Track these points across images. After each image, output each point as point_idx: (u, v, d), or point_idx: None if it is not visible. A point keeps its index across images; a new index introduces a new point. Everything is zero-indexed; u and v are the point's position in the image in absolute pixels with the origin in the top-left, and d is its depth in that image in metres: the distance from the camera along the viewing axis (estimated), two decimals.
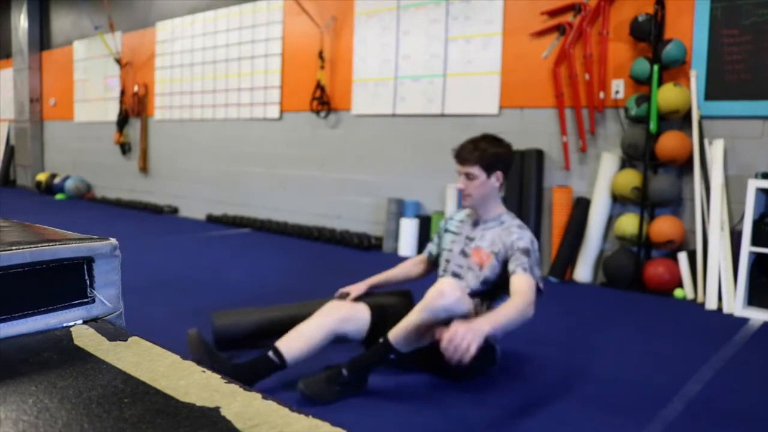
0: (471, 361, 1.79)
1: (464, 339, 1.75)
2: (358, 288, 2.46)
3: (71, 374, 0.51)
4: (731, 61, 3.62)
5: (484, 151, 2.24)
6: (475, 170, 2.24)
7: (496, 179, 2.26)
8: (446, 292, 2.01)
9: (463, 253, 2.33)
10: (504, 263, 2.22)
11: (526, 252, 2.16)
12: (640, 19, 3.83)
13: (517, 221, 2.30)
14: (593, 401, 2.12)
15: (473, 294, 2.25)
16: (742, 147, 3.64)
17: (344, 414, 1.95)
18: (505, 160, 2.29)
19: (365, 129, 5.46)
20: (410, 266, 2.58)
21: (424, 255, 2.57)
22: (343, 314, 2.17)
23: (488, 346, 2.16)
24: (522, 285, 2.06)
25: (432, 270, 2.56)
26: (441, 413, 1.98)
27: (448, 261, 2.38)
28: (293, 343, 2.08)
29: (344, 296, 2.43)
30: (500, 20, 4.60)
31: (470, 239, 2.33)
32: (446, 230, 2.47)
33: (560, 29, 4.24)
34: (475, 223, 2.36)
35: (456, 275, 2.31)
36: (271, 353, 2.06)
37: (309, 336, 2.09)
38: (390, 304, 2.35)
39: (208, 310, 3.12)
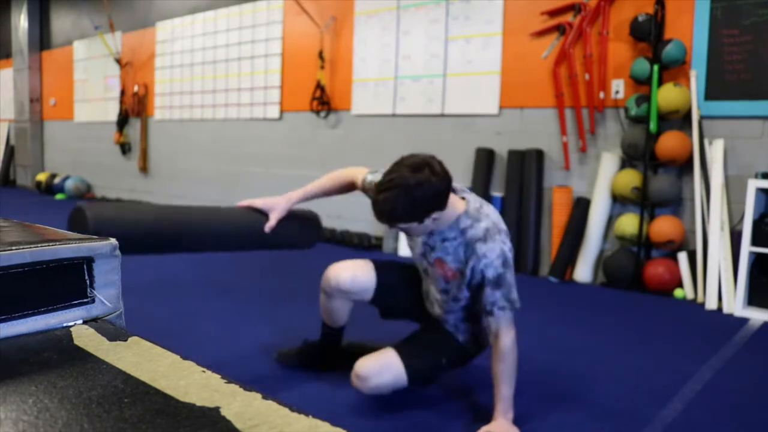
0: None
1: None
2: (277, 206, 2.15)
3: (71, 374, 0.51)
4: (731, 61, 3.62)
5: (403, 210, 1.76)
6: (405, 227, 1.84)
7: (431, 220, 1.81)
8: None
9: (425, 257, 2.00)
10: (474, 288, 1.90)
11: (498, 283, 1.82)
12: (640, 19, 3.83)
13: (481, 227, 1.85)
14: (593, 401, 2.12)
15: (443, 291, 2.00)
16: (742, 147, 3.64)
17: (345, 413, 1.95)
18: (435, 199, 1.77)
19: (365, 129, 5.46)
20: (341, 181, 2.22)
21: (365, 178, 2.14)
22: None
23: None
24: (502, 336, 1.82)
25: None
26: (438, 415, 1.98)
27: (412, 249, 2.08)
28: (328, 319, 2.22)
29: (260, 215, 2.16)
30: (500, 20, 4.60)
31: (429, 247, 1.95)
32: None
33: (560, 29, 4.24)
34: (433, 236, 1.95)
35: (425, 272, 2.05)
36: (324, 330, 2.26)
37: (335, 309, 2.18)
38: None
39: (209, 310, 3.13)
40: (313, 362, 2.30)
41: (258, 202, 2.20)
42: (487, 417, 1.95)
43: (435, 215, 1.81)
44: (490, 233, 1.84)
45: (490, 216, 1.89)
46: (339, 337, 2.28)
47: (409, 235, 1.95)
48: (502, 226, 1.91)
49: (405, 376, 1.94)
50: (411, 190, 1.73)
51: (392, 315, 2.25)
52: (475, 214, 1.88)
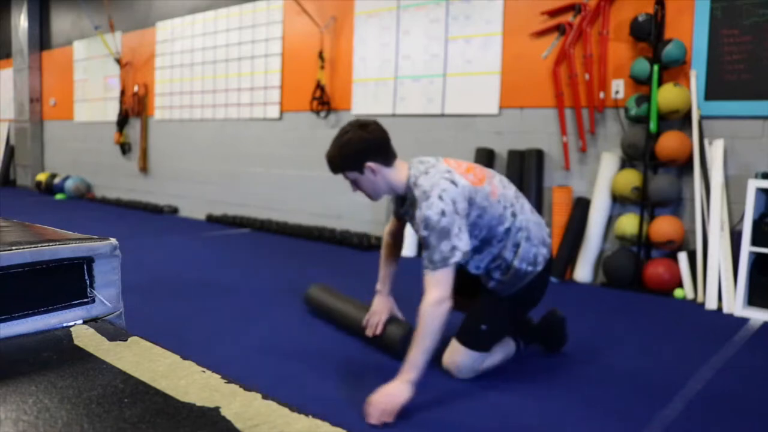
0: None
1: (381, 414, 1.86)
2: (381, 312, 2.47)
3: (71, 374, 0.51)
4: (731, 61, 3.63)
5: (341, 154, 2.08)
6: (348, 174, 2.12)
7: (370, 171, 2.07)
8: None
9: (418, 232, 2.16)
10: None
11: (425, 244, 1.96)
12: (640, 19, 3.83)
13: (418, 193, 2.03)
14: (593, 401, 2.12)
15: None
16: (742, 147, 3.64)
17: (344, 414, 1.95)
18: (368, 148, 2.06)
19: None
20: (389, 248, 2.48)
21: (392, 218, 2.44)
22: None
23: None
24: (424, 296, 1.94)
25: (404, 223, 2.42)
26: (439, 413, 1.98)
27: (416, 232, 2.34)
28: None
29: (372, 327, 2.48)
30: (500, 20, 4.60)
31: (412, 221, 2.17)
32: None
33: (560, 29, 4.24)
34: (402, 203, 2.22)
35: None
36: None
37: None
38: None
39: (209, 310, 3.13)
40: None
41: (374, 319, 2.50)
42: (491, 420, 1.95)
43: (371, 165, 2.06)
44: (421, 198, 2.01)
45: (428, 180, 2.03)
46: None
47: (360, 188, 2.15)
48: (439, 188, 1.99)
49: (475, 354, 2.18)
50: (342, 137, 2.09)
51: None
52: (415, 180, 2.07)
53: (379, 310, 2.48)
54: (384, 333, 2.47)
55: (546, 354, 2.59)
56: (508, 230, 2.14)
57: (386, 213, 5.10)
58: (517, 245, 2.17)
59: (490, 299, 2.25)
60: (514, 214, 2.17)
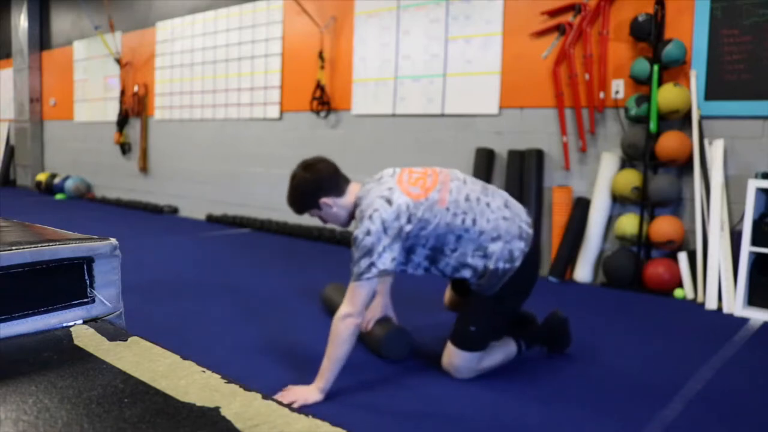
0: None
1: (293, 400, 1.99)
2: (373, 310, 2.54)
3: (71, 374, 0.51)
4: (731, 61, 3.62)
5: (296, 200, 2.24)
6: (310, 212, 2.26)
7: (326, 206, 2.22)
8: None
9: None
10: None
11: (352, 254, 2.09)
12: (640, 19, 3.83)
13: (363, 204, 2.13)
14: (593, 401, 2.12)
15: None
16: (742, 147, 3.64)
17: (344, 414, 1.96)
18: (315, 187, 2.20)
19: (365, 129, 5.46)
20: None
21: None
22: None
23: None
24: (339, 307, 2.07)
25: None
26: (438, 413, 1.98)
27: None
28: None
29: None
30: (500, 20, 4.60)
31: None
32: None
33: (560, 29, 4.24)
34: None
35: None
36: None
37: None
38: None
39: (209, 310, 3.13)
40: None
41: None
42: (491, 421, 1.95)
43: (325, 200, 2.19)
44: (358, 218, 2.12)
45: (366, 201, 2.13)
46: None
47: (326, 220, 2.27)
48: (372, 208, 2.07)
49: (469, 355, 2.23)
50: (292, 182, 2.24)
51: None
52: (358, 201, 2.17)
53: (373, 308, 2.53)
54: (371, 332, 2.50)
55: (546, 355, 2.59)
56: (459, 237, 2.14)
57: None
58: (482, 249, 2.15)
59: (477, 299, 2.26)
60: (474, 221, 2.14)
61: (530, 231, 2.26)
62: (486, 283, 2.19)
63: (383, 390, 2.17)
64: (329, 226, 5.58)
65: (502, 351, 2.36)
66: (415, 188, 2.14)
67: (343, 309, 2.04)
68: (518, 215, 2.26)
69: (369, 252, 2.03)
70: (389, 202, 2.08)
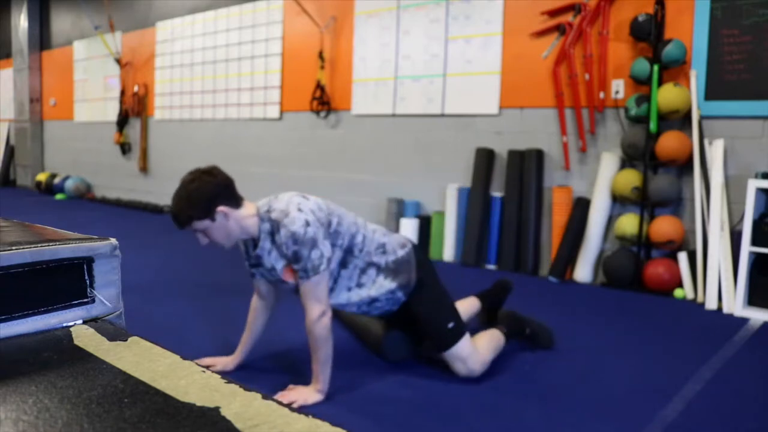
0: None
1: (293, 400, 1.99)
2: (225, 363, 2.31)
3: (71, 374, 0.51)
4: (731, 61, 3.62)
5: (191, 204, 1.98)
6: (197, 225, 2.00)
7: (222, 215, 2.00)
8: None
9: (275, 281, 2.19)
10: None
11: (298, 254, 1.98)
12: (640, 19, 3.83)
13: (274, 222, 2.03)
14: (593, 401, 2.12)
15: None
16: (742, 147, 3.64)
17: (343, 414, 1.96)
18: (216, 192, 2.01)
19: (365, 129, 5.46)
20: (256, 312, 2.36)
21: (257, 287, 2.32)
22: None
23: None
24: (307, 311, 2.01)
25: (274, 289, 2.33)
26: (438, 413, 1.98)
27: (262, 285, 2.29)
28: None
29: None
30: (500, 20, 4.60)
31: (266, 268, 2.14)
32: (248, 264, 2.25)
33: (560, 29, 4.24)
34: (254, 247, 2.12)
35: (298, 293, 2.14)
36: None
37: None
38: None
39: (209, 310, 3.12)
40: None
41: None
42: (491, 421, 1.95)
43: (223, 209, 1.99)
44: (281, 217, 2.01)
45: (281, 202, 2.06)
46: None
47: (211, 237, 2.05)
48: (294, 203, 2.03)
49: (461, 344, 2.22)
50: (187, 186, 1.99)
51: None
52: (267, 208, 2.07)
53: (220, 361, 2.32)
54: (371, 332, 2.50)
55: (546, 354, 2.59)
56: (364, 237, 2.18)
57: (386, 213, 5.10)
58: (381, 246, 2.21)
59: (414, 305, 2.24)
60: (366, 225, 2.23)
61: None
62: (401, 278, 2.20)
63: (383, 390, 2.17)
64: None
65: (489, 334, 2.40)
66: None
67: (314, 310, 2.00)
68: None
69: (315, 243, 1.99)
70: (306, 198, 2.08)
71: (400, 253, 2.23)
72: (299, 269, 2.00)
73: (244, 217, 2.05)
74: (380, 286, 2.19)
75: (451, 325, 2.22)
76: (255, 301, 2.35)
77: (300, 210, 2.00)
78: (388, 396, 2.12)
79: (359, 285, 2.18)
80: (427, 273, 2.27)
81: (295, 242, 1.98)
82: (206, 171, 2.06)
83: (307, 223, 1.99)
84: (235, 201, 2.05)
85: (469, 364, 2.22)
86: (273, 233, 2.04)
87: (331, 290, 2.16)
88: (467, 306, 2.70)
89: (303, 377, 2.22)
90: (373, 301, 2.21)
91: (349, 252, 2.14)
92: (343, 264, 2.14)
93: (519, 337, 2.58)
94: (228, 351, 2.49)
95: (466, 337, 2.24)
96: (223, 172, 2.10)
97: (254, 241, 2.11)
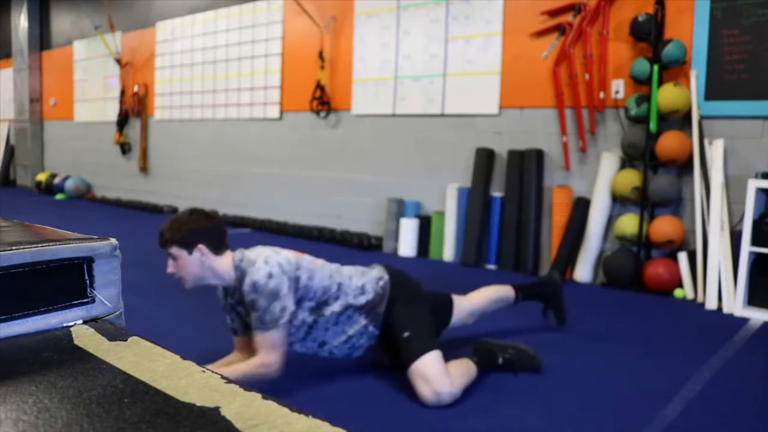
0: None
1: None
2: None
3: (71, 374, 0.51)
4: (731, 61, 3.62)
5: (178, 230, 2.09)
6: (174, 250, 2.09)
7: (199, 253, 2.07)
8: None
9: (262, 327, 2.14)
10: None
11: (256, 303, 2.02)
12: (640, 19, 3.83)
13: (251, 255, 2.11)
14: (592, 401, 2.12)
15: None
16: (742, 147, 3.64)
17: (343, 414, 1.96)
18: (204, 232, 2.10)
19: (365, 129, 5.46)
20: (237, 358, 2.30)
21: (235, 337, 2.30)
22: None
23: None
24: (259, 356, 2.03)
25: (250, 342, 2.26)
26: (438, 413, 1.98)
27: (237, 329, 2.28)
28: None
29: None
30: (500, 20, 4.60)
31: (244, 316, 2.19)
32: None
33: (560, 29, 4.24)
34: (232, 294, 2.19)
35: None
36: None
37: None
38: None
39: (209, 309, 3.12)
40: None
41: None
42: (491, 422, 1.95)
43: (202, 248, 2.07)
44: (248, 266, 2.07)
45: (252, 253, 2.13)
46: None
47: (178, 267, 2.11)
48: (264, 255, 2.08)
49: (428, 358, 2.08)
50: (184, 215, 2.14)
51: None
52: (241, 257, 2.12)
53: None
54: None
55: (546, 354, 2.59)
56: (340, 285, 2.19)
57: (386, 213, 5.10)
58: (359, 288, 2.22)
59: (394, 324, 2.21)
60: (340, 272, 2.24)
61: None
62: (372, 314, 2.21)
63: (383, 390, 2.17)
64: (330, 225, 5.58)
65: (458, 361, 2.22)
66: (289, 252, 2.19)
67: (266, 358, 2.00)
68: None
69: (276, 295, 2.01)
70: (277, 252, 2.12)
71: (378, 288, 2.25)
72: (255, 318, 2.03)
73: (220, 265, 2.11)
74: (355, 322, 2.21)
75: (406, 334, 2.13)
76: (233, 356, 2.30)
77: (266, 263, 2.04)
78: (388, 396, 2.12)
79: (336, 324, 2.19)
80: (400, 291, 2.26)
81: (255, 290, 2.02)
82: (207, 213, 2.19)
83: (270, 275, 2.02)
84: (218, 248, 2.12)
85: (436, 386, 2.00)
86: (241, 281, 2.09)
87: (308, 337, 2.18)
88: (490, 292, 2.63)
89: (303, 377, 2.22)
90: (349, 338, 2.21)
91: (324, 303, 2.17)
92: (319, 312, 2.16)
93: (493, 368, 2.33)
94: (228, 351, 2.49)
95: (434, 355, 2.07)
96: (221, 221, 2.22)
97: (228, 290, 2.19)
